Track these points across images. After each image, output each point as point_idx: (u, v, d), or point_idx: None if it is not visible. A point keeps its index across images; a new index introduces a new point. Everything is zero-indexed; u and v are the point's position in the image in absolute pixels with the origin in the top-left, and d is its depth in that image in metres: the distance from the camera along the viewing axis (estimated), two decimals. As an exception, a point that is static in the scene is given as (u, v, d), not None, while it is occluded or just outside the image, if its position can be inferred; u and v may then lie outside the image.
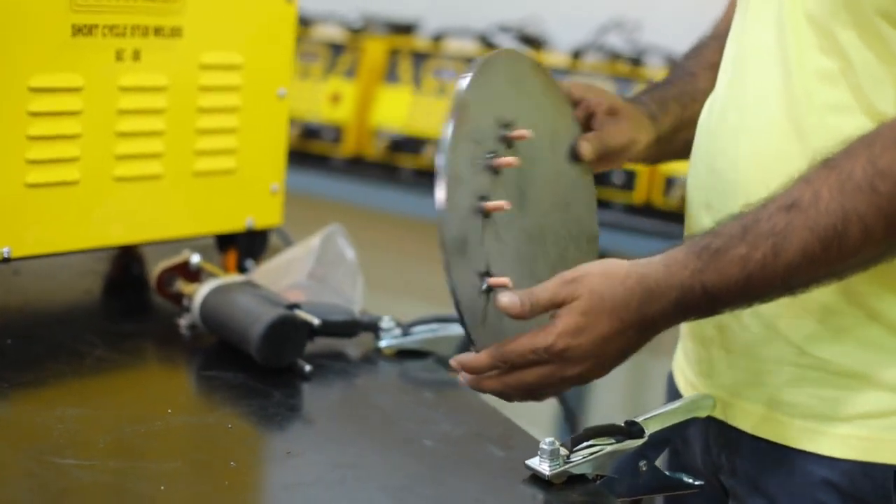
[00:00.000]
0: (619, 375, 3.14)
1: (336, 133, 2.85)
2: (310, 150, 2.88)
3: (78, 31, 1.42)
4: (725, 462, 1.32)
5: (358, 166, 2.85)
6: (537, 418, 2.90)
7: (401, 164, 2.80)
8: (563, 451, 1.15)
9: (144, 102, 1.50)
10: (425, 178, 2.77)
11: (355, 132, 2.84)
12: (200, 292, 1.45)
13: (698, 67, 1.41)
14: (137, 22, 1.47)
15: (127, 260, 1.72)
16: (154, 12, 1.49)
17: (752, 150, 1.25)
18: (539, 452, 1.14)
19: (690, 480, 1.26)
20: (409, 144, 2.78)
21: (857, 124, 1.17)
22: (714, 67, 1.35)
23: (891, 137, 1.11)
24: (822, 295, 1.22)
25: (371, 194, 2.82)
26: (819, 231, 1.09)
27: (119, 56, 1.46)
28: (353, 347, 1.47)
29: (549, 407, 2.91)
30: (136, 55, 1.48)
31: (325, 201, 2.93)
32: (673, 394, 1.43)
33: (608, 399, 3.15)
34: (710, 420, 1.31)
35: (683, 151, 1.39)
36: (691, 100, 1.40)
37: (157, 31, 1.50)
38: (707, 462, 1.35)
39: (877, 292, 1.21)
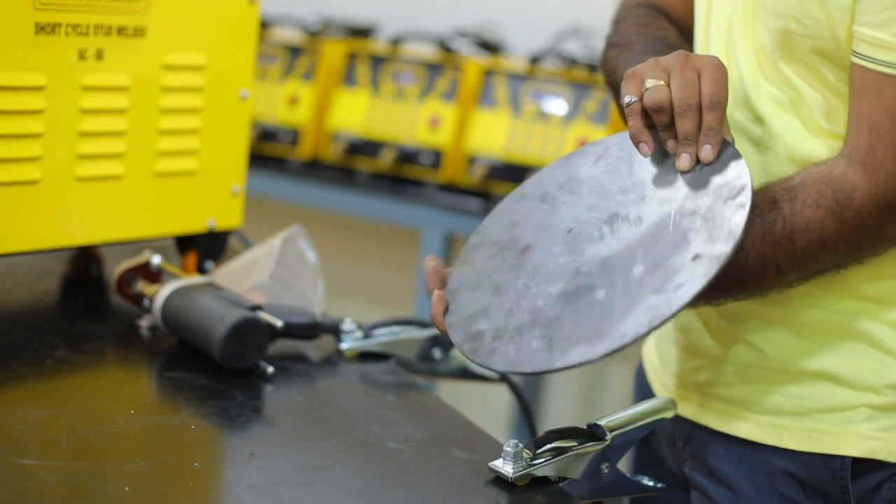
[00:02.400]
0: (577, 378, 3.14)
1: (293, 136, 2.85)
2: (267, 152, 2.88)
3: (41, 29, 1.41)
4: (689, 455, 1.36)
5: (315, 169, 2.85)
6: (496, 421, 2.92)
7: (358, 167, 2.80)
8: (527, 454, 1.16)
9: (107, 102, 1.50)
10: (382, 181, 2.78)
11: (313, 135, 2.84)
12: (161, 293, 1.44)
13: (674, 42, 1.40)
14: (101, 21, 1.47)
15: (86, 260, 1.71)
16: (118, 12, 1.48)
17: None
18: (503, 454, 1.15)
19: (652, 483, 1.28)
20: (366, 147, 2.78)
21: (813, 147, 1.22)
22: (682, 40, 1.40)
23: (812, 195, 1.19)
24: (783, 307, 1.27)
25: (328, 197, 2.82)
26: (738, 273, 1.19)
27: (82, 55, 1.46)
28: (314, 349, 1.47)
29: (509, 410, 2.92)
30: (99, 55, 1.48)
31: (282, 204, 2.93)
32: (642, 388, 1.47)
33: (565, 401, 3.17)
34: (677, 415, 1.35)
35: None
36: None
37: (121, 31, 1.49)
38: (672, 454, 1.40)
39: (832, 295, 1.27)
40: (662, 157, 1.21)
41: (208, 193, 1.64)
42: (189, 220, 1.63)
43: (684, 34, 1.41)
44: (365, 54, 2.86)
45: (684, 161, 1.17)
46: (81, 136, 1.47)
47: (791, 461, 1.29)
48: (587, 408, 3.15)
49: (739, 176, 1.16)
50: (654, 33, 1.39)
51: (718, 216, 1.14)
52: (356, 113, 2.80)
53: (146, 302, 1.48)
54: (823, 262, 1.21)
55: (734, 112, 1.29)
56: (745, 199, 1.13)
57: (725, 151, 1.19)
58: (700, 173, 1.18)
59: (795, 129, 1.25)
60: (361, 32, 2.99)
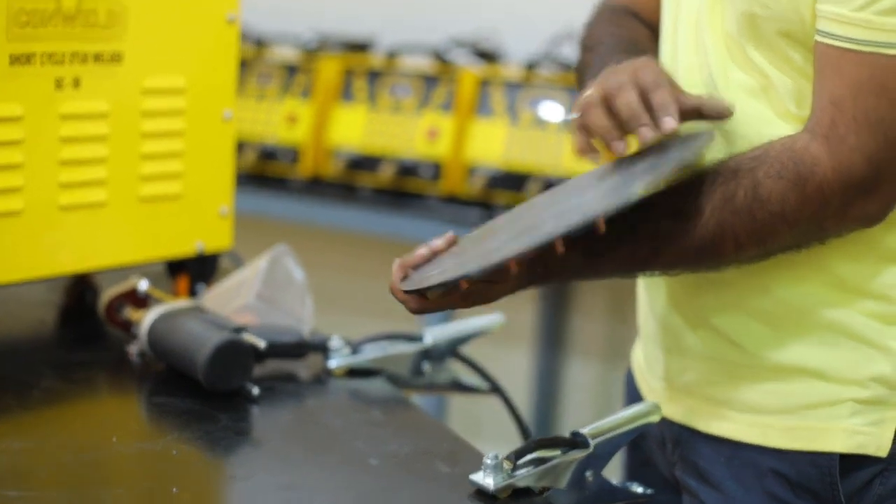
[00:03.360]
0: (592, 386, 3.13)
1: (293, 154, 2.84)
2: (267, 171, 2.88)
3: (15, 60, 1.42)
4: (679, 458, 1.35)
5: (316, 186, 2.85)
6: (505, 435, 2.91)
7: (359, 182, 2.80)
8: (507, 465, 1.15)
9: (86, 129, 1.50)
10: (383, 195, 2.78)
11: (312, 152, 2.84)
12: (147, 319, 1.44)
13: (644, 43, 1.40)
14: (76, 49, 1.47)
15: (81, 289, 1.71)
16: (93, 39, 1.48)
17: None
18: (483, 467, 1.14)
19: (641, 490, 1.26)
20: (366, 163, 2.78)
21: (783, 133, 1.21)
22: (651, 39, 1.40)
23: (774, 167, 1.18)
24: (760, 298, 1.26)
25: (330, 214, 2.81)
26: (695, 241, 1.18)
27: (59, 84, 1.46)
28: (304, 369, 1.47)
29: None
30: (76, 82, 1.48)
31: (285, 223, 2.92)
32: (631, 393, 1.46)
33: (581, 411, 3.16)
34: (665, 418, 1.34)
35: None
36: None
37: (97, 58, 1.49)
38: (662, 458, 1.39)
39: (810, 284, 1.26)
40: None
41: (196, 216, 1.63)
42: (178, 243, 1.62)
43: (654, 34, 1.40)
44: (361, 69, 2.86)
45: (645, 133, 1.17)
46: (62, 165, 1.47)
47: (778, 460, 1.27)
48: (603, 416, 3.13)
49: (699, 150, 1.18)
50: (623, 34, 1.39)
51: (675, 152, 1.17)
52: (355, 128, 2.80)
53: (135, 328, 1.48)
54: (784, 239, 1.19)
55: None
56: (703, 141, 1.16)
57: (702, 126, 1.22)
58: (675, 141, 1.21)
59: (765, 116, 1.24)
60: (359, 47, 2.99)
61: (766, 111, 1.25)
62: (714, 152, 1.24)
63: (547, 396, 3.14)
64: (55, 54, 1.45)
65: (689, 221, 1.18)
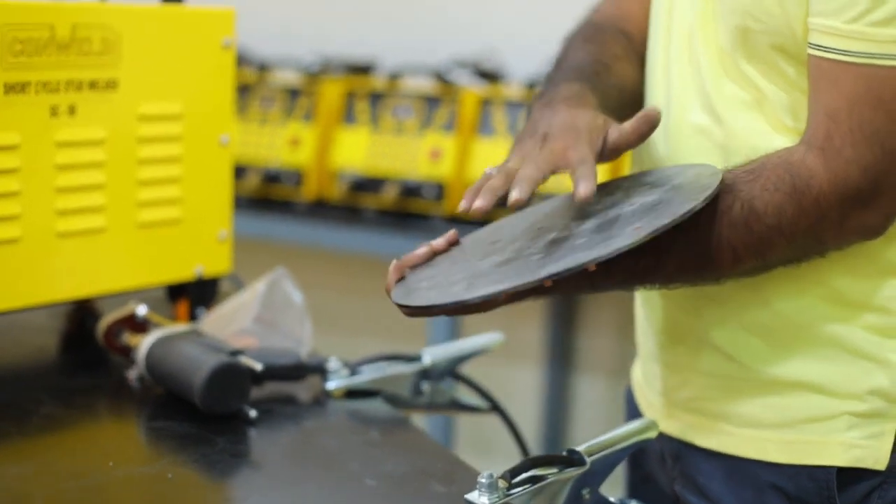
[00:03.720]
0: (604, 403, 3.12)
1: (297, 177, 2.85)
2: (272, 195, 2.89)
3: (10, 89, 1.42)
4: (678, 474, 1.35)
5: (320, 209, 2.85)
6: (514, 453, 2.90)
7: (363, 204, 2.81)
8: (503, 484, 1.14)
9: (83, 156, 1.50)
10: (387, 217, 2.78)
11: (316, 175, 2.84)
12: (144, 343, 1.44)
13: (610, 59, 1.39)
14: (71, 77, 1.48)
15: (82, 315, 1.72)
16: (88, 66, 1.49)
17: None
18: (478, 486, 1.14)
19: (637, 507, 1.26)
20: (369, 185, 2.79)
21: (778, 146, 1.21)
22: (619, 59, 1.39)
23: (771, 179, 1.18)
24: (758, 312, 1.26)
25: (334, 237, 2.82)
26: (694, 253, 1.18)
27: (54, 112, 1.47)
28: (303, 391, 1.47)
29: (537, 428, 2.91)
30: (72, 110, 1.48)
31: (289, 246, 2.93)
32: (631, 409, 1.46)
33: (594, 427, 3.15)
34: (665, 434, 1.34)
35: None
36: (619, 96, 1.39)
37: (92, 85, 1.50)
38: (663, 474, 1.39)
39: (808, 299, 1.25)
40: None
41: (194, 241, 1.64)
42: (177, 268, 1.63)
43: (635, 47, 1.40)
44: (363, 91, 2.86)
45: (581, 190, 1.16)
46: (59, 192, 1.48)
47: (777, 474, 1.27)
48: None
49: (710, 183, 1.17)
50: (593, 51, 1.38)
51: (674, 205, 1.14)
52: (357, 151, 2.81)
53: (133, 353, 1.49)
54: (782, 251, 1.19)
55: (695, 114, 1.28)
56: (704, 194, 1.14)
57: (708, 169, 1.20)
58: (679, 185, 1.19)
59: (760, 129, 1.24)
60: (361, 69, 3.00)
61: (761, 124, 1.25)
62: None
63: (555, 413, 3.14)
64: (50, 82, 1.46)
65: (687, 234, 1.17)
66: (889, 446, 1.25)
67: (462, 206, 1.19)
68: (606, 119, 1.24)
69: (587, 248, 1.12)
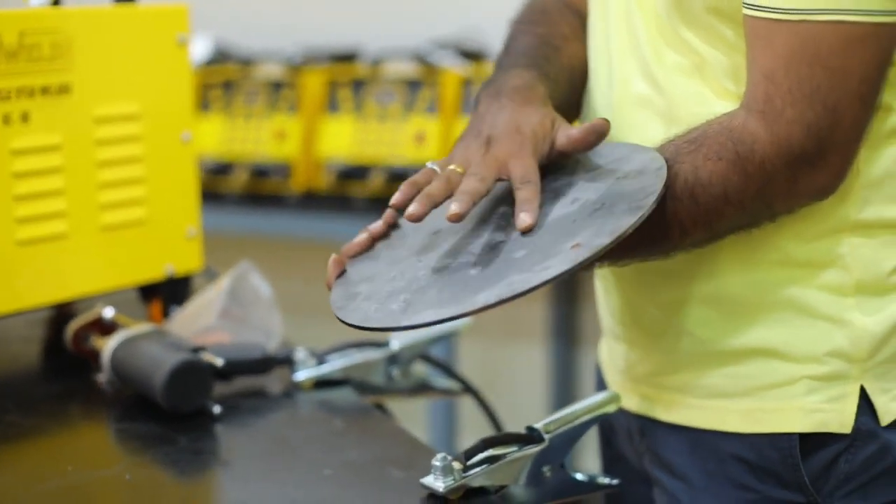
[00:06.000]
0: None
1: (285, 170, 2.85)
2: (261, 189, 2.88)
3: (-40, 100, 1.42)
4: (646, 450, 1.34)
5: (310, 201, 2.85)
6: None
7: (351, 193, 2.80)
8: (458, 466, 1.13)
9: (39, 163, 1.50)
10: (376, 204, 2.77)
11: (304, 167, 2.84)
12: (108, 346, 1.44)
13: (559, 40, 1.36)
14: (22, 84, 1.47)
15: (61, 321, 1.71)
16: (38, 72, 1.48)
17: None
18: (432, 469, 1.13)
19: (607, 481, 1.25)
20: (356, 172, 2.78)
21: (721, 112, 1.19)
22: (568, 39, 1.36)
23: (713, 148, 1.15)
24: (710, 284, 1.24)
25: (325, 227, 2.81)
26: (642, 230, 1.11)
27: (6, 120, 1.46)
28: (274, 383, 1.46)
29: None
30: (25, 117, 1.48)
31: (281, 240, 2.93)
32: (601, 387, 1.45)
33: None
34: (631, 411, 1.33)
35: None
36: (569, 78, 1.36)
37: (44, 91, 1.49)
38: (631, 451, 1.37)
39: (761, 265, 1.23)
40: (590, 165, 1.21)
41: (163, 240, 1.63)
42: (146, 268, 1.62)
43: (583, 22, 1.37)
44: (345, 79, 2.85)
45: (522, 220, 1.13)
46: (17, 200, 1.47)
47: (738, 445, 1.24)
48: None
49: (654, 184, 1.14)
50: (541, 31, 1.35)
51: (616, 216, 1.11)
52: (343, 139, 2.80)
53: (101, 356, 1.48)
54: (731, 220, 1.17)
55: (637, 85, 1.26)
56: (647, 203, 1.11)
57: (654, 163, 1.16)
58: (622, 181, 1.16)
59: (702, 95, 1.22)
60: (344, 58, 2.99)
61: (702, 90, 1.22)
62: (652, 137, 1.22)
63: (561, 390, 3.13)
64: (0, 91, 1.45)
65: None
66: (853, 409, 1.22)
67: (395, 199, 1.17)
68: (555, 119, 1.21)
69: (524, 268, 1.09)
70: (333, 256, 1.19)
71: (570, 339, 3.18)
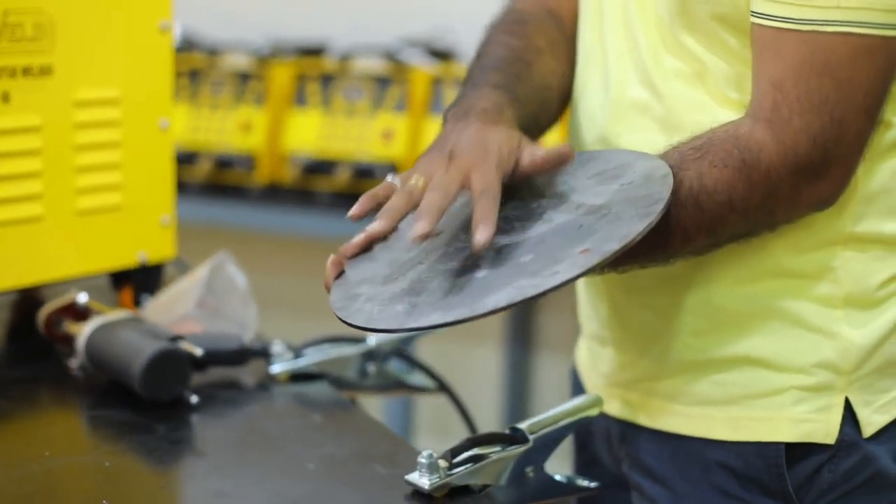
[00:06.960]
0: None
1: (249, 162, 2.83)
2: (224, 180, 2.86)
3: (-60, 78, 1.40)
4: (625, 455, 1.33)
5: (274, 193, 2.83)
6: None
7: (316, 187, 2.79)
8: (443, 464, 1.13)
9: (18, 144, 1.48)
10: (341, 199, 2.76)
11: (268, 159, 2.82)
12: (84, 332, 1.42)
13: (532, 54, 1.33)
14: (3, 64, 1.45)
15: (27, 305, 1.69)
16: (20, 52, 1.46)
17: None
18: (418, 466, 1.13)
19: (586, 483, 1.25)
20: (322, 167, 2.77)
21: (722, 120, 1.19)
22: (542, 53, 1.33)
23: (719, 155, 1.15)
24: (703, 292, 1.24)
25: (288, 221, 2.80)
26: (643, 238, 1.10)
27: (-14, 100, 1.44)
28: (248, 375, 1.45)
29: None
30: (5, 97, 1.46)
31: (243, 232, 2.91)
32: (577, 390, 1.45)
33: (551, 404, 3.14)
34: (611, 416, 1.33)
35: None
36: (540, 98, 1.33)
37: (26, 72, 1.47)
38: (609, 455, 1.37)
39: (753, 274, 1.24)
40: (586, 167, 1.20)
41: (137, 227, 1.62)
42: (119, 255, 1.61)
43: (564, 30, 1.36)
44: (314, 74, 2.84)
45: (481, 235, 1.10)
46: (-6, 181, 1.46)
47: (724, 452, 1.25)
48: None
49: (661, 191, 1.14)
50: (515, 43, 1.32)
51: (624, 220, 1.11)
52: (309, 133, 2.79)
53: (75, 342, 1.46)
54: (734, 227, 1.17)
55: (634, 90, 1.26)
56: (656, 209, 1.11)
57: (659, 170, 1.16)
58: (627, 187, 1.16)
59: (702, 103, 1.21)
60: (312, 51, 2.98)
61: (703, 98, 1.22)
62: (648, 142, 1.22)
63: (515, 393, 3.13)
64: (-19, 70, 1.43)
65: None
66: (838, 419, 1.23)
67: (353, 211, 1.14)
68: (522, 138, 1.19)
69: (532, 273, 1.08)
70: (332, 257, 1.17)
71: (526, 343, 3.18)
